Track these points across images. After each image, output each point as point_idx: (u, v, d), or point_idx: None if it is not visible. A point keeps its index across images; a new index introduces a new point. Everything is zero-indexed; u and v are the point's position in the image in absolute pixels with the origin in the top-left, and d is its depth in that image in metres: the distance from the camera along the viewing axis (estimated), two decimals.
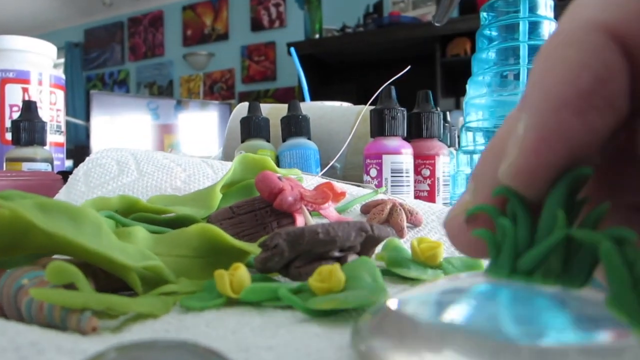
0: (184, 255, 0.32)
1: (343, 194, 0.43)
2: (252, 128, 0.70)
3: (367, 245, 0.32)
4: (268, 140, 0.71)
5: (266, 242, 0.30)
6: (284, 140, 0.70)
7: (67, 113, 1.33)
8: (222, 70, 4.49)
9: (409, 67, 0.72)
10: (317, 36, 3.24)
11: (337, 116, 0.77)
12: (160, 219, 0.39)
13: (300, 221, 0.38)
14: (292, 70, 3.87)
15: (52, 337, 0.20)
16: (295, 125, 0.69)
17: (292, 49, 1.13)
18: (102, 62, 5.05)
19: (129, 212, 0.40)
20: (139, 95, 3.28)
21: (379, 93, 0.66)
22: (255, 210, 0.39)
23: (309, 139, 0.70)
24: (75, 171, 0.50)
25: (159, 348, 0.18)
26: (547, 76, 0.16)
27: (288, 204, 0.38)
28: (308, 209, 0.39)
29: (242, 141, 0.71)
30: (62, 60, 4.99)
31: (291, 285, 0.27)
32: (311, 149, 0.67)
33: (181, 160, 0.53)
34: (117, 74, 4.97)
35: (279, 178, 0.38)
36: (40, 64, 0.99)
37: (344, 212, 0.49)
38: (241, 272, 0.27)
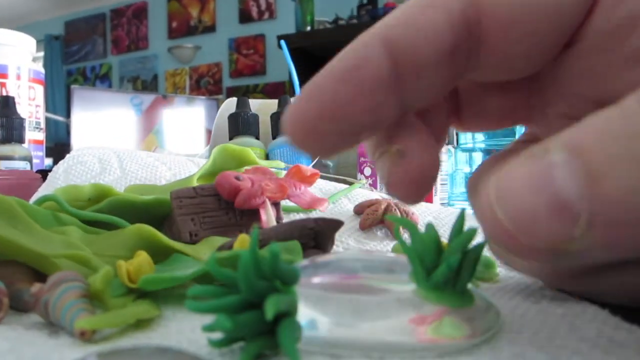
0: (119, 255, 0.32)
1: (315, 175, 0.44)
2: (241, 125, 0.70)
3: (320, 239, 0.33)
4: (257, 138, 0.71)
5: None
6: (274, 138, 0.70)
7: (47, 109, 1.32)
8: (209, 64, 4.48)
9: None
10: (308, 28, 3.23)
11: None
12: (135, 200, 0.39)
13: (263, 216, 0.38)
14: (282, 64, 3.87)
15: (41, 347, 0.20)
16: None
17: (283, 42, 1.13)
18: (83, 56, 5.03)
19: (102, 200, 0.40)
20: (122, 90, 3.27)
21: None
22: (219, 195, 0.39)
23: None
24: (55, 168, 0.50)
25: (143, 354, 0.17)
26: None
27: (247, 203, 0.38)
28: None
29: (231, 138, 0.71)
30: (42, 53, 4.96)
31: (193, 270, 0.27)
32: None
33: (166, 159, 0.53)
34: (99, 68, 4.96)
35: (237, 177, 0.39)
36: (18, 57, 0.98)
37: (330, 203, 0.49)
38: (139, 260, 0.27)
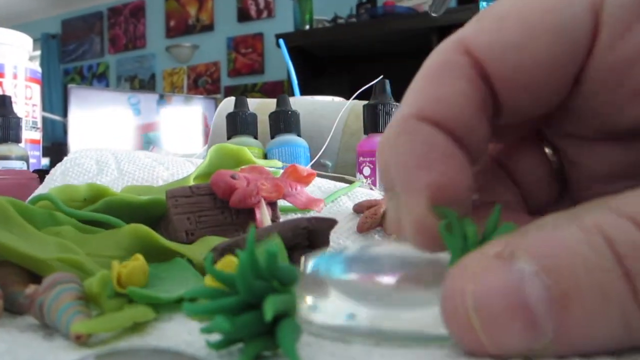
0: (115, 255, 0.32)
1: (311, 175, 0.44)
2: (239, 124, 0.70)
3: (314, 238, 0.33)
4: (256, 137, 0.71)
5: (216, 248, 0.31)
6: (272, 137, 0.70)
7: (44, 108, 1.32)
8: (207, 63, 4.48)
9: (381, 77, 0.72)
10: (307, 27, 3.23)
11: (329, 112, 0.77)
12: (131, 201, 0.39)
13: (258, 215, 0.39)
14: (281, 63, 3.87)
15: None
16: (284, 121, 0.69)
17: (281, 41, 1.13)
18: (80, 55, 5.03)
19: (98, 200, 0.40)
20: (119, 90, 3.27)
21: (360, 92, 0.66)
22: (215, 194, 0.39)
23: (299, 135, 0.70)
24: (52, 171, 0.50)
25: (141, 356, 0.17)
26: (400, 164, 0.21)
27: (243, 202, 0.38)
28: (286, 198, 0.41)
29: (229, 138, 0.71)
30: (38, 52, 4.96)
31: (178, 293, 0.26)
32: (301, 146, 0.67)
33: (164, 159, 0.53)
34: (96, 67, 4.95)
35: (232, 176, 0.39)
36: (15, 56, 0.98)
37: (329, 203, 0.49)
38: (133, 265, 0.26)
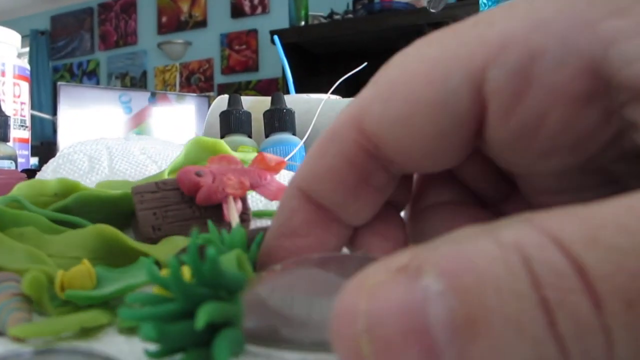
0: (80, 257, 0.32)
1: (281, 163, 0.44)
2: (233, 123, 0.70)
3: None
4: (250, 136, 0.71)
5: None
6: (267, 136, 0.70)
7: (32, 106, 1.32)
8: (200, 60, 4.48)
9: (365, 64, 0.72)
10: (302, 23, 3.23)
11: (325, 110, 0.77)
12: (103, 195, 0.39)
13: (226, 210, 0.39)
14: (275, 60, 3.87)
15: None
16: (279, 120, 0.69)
17: (276, 37, 1.13)
18: (70, 52, 5.02)
19: (68, 195, 0.40)
20: (110, 87, 3.25)
21: (339, 82, 0.65)
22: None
23: (294, 134, 0.70)
24: (44, 167, 0.50)
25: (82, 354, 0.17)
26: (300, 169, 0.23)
27: (208, 200, 0.39)
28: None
29: (222, 137, 0.70)
30: (27, 49, 4.94)
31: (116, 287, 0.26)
32: (296, 145, 0.67)
33: (158, 156, 0.53)
34: (87, 64, 4.95)
35: (198, 173, 0.39)
36: (3, 53, 0.98)
37: None
38: (76, 270, 0.26)
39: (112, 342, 0.22)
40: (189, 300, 0.17)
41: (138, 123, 2.12)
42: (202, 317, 0.16)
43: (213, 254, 0.17)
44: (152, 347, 0.17)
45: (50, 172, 0.49)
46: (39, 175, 0.49)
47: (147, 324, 0.16)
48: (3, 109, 0.80)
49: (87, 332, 0.23)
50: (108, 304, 0.27)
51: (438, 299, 0.14)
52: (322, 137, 0.22)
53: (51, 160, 0.51)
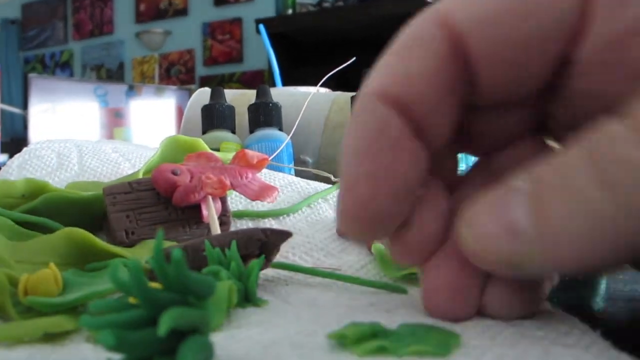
0: (49, 262, 0.31)
1: (263, 160, 0.43)
2: (215, 117, 0.70)
3: (267, 249, 0.33)
4: (233, 132, 0.71)
5: None
6: (251, 131, 0.70)
7: (2, 100, 1.31)
8: (181, 50, 4.47)
9: (354, 58, 0.72)
10: (289, 12, 3.23)
11: (313, 103, 0.77)
12: (73, 197, 0.39)
13: (204, 211, 0.38)
14: (261, 50, 3.86)
15: None
16: (264, 114, 0.69)
17: (262, 27, 1.13)
18: (42, 42, 4.99)
19: (37, 197, 0.40)
20: (84, 80, 3.25)
21: (327, 77, 0.66)
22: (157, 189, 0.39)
23: (281, 129, 0.70)
24: (9, 162, 0.50)
25: None
26: (347, 148, 0.22)
27: (186, 200, 0.38)
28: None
29: (204, 132, 0.70)
30: None
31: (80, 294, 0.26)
32: (283, 142, 0.67)
33: (131, 155, 0.53)
34: (60, 55, 4.92)
35: (174, 172, 0.38)
36: None
37: (297, 209, 0.47)
38: (39, 275, 0.26)
39: (77, 350, 0.22)
40: (154, 307, 0.17)
41: (114, 118, 2.12)
42: (165, 323, 0.16)
43: (178, 256, 0.17)
44: (117, 356, 0.17)
45: (16, 168, 0.49)
46: (3, 170, 0.49)
47: (104, 330, 0.16)
48: None
49: (51, 338, 0.23)
50: (76, 309, 0.26)
51: (520, 191, 0.20)
52: (399, 43, 0.22)
53: (17, 156, 0.50)
